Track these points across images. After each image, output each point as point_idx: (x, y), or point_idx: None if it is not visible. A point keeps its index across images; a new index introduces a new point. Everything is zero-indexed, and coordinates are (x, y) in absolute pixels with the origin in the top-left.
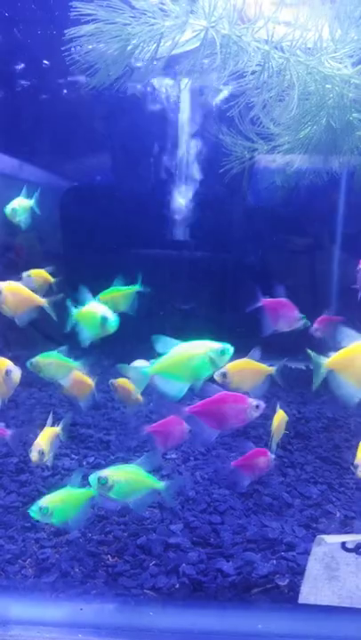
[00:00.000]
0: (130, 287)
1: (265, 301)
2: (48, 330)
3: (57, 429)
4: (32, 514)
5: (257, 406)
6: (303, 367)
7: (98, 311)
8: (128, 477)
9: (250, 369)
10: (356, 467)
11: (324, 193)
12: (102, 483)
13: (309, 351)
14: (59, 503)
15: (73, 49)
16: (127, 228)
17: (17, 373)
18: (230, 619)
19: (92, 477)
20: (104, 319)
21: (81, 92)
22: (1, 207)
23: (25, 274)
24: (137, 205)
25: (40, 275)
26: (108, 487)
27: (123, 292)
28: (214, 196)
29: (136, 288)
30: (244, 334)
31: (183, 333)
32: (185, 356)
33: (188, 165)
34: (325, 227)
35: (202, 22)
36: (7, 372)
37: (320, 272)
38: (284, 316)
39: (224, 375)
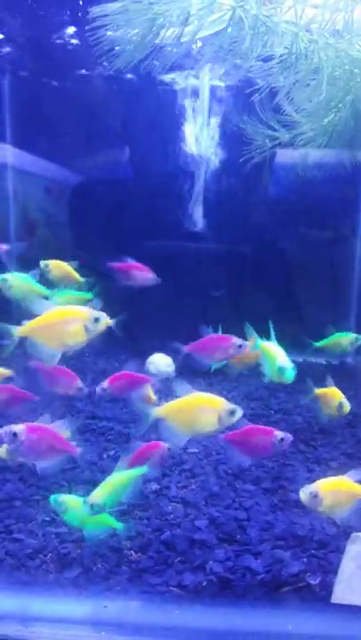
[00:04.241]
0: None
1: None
2: None
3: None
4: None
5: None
6: (323, 362)
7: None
8: (114, 485)
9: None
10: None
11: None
12: (96, 510)
13: None
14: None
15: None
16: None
17: (104, 321)
18: (260, 618)
19: (84, 507)
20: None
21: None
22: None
23: (43, 263)
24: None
25: (60, 267)
26: (101, 507)
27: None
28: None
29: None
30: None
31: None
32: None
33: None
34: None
35: (229, 1)
36: (96, 320)
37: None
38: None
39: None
